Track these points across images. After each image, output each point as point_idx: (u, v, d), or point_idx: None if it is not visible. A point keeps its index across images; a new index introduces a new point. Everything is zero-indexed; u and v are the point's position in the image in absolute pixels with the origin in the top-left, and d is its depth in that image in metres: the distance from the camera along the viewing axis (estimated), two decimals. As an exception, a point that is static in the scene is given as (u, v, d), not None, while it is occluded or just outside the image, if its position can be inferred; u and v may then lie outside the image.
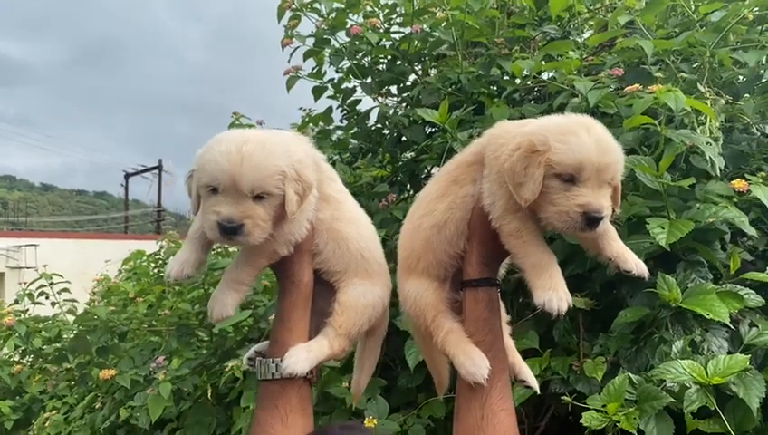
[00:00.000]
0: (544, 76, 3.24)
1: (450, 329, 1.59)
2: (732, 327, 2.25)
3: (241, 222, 1.44)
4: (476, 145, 1.67)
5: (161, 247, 4.55)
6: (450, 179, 1.66)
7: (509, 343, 1.74)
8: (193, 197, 1.56)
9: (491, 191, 1.55)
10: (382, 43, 3.63)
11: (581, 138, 1.43)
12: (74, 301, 3.92)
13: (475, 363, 1.51)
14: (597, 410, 1.93)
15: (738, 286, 2.32)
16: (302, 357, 1.56)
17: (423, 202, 1.71)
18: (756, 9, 2.72)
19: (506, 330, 1.74)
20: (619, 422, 1.87)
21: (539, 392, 1.82)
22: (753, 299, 2.28)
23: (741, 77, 3.00)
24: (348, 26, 3.67)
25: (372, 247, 1.75)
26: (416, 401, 2.94)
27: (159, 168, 28.64)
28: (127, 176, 30.15)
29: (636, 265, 1.55)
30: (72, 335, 4.26)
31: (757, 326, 2.32)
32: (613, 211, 1.55)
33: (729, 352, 2.20)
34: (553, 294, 1.43)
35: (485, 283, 1.60)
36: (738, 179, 2.34)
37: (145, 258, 5.02)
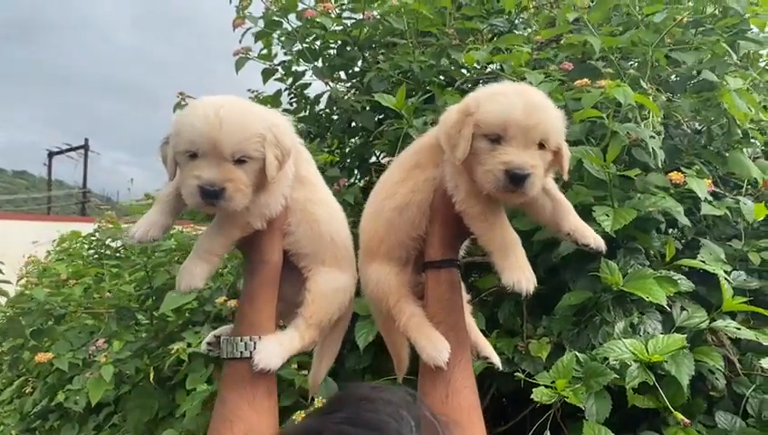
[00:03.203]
0: (491, 68, 3.34)
1: (412, 313, 1.63)
2: (667, 310, 2.42)
3: (223, 185, 1.42)
4: (435, 130, 1.71)
5: (99, 228, 4.41)
6: (411, 164, 1.70)
7: (470, 321, 1.81)
8: (169, 163, 1.52)
9: (452, 175, 1.59)
10: (333, 27, 3.64)
11: (509, 98, 1.47)
12: (7, 282, 3.77)
13: (436, 348, 1.55)
14: (546, 386, 2.04)
15: (672, 272, 2.49)
16: (274, 352, 1.54)
17: (384, 186, 1.75)
18: (692, 13, 2.88)
19: (467, 309, 1.80)
20: (566, 398, 1.99)
21: (501, 368, 1.90)
22: (685, 284, 2.45)
23: (673, 76, 3.18)
24: (298, 9, 3.66)
25: (342, 233, 1.76)
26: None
27: (86, 147, 27.46)
28: (50, 155, 28.69)
29: (593, 238, 1.60)
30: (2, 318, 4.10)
31: (687, 310, 2.50)
32: (563, 175, 1.60)
33: (662, 334, 2.37)
34: (521, 274, 1.48)
35: (447, 264, 1.65)
36: (675, 172, 2.49)
37: (80, 240, 4.85)
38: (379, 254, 1.70)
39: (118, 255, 4.76)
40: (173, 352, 3.16)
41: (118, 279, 4.19)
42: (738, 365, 2.56)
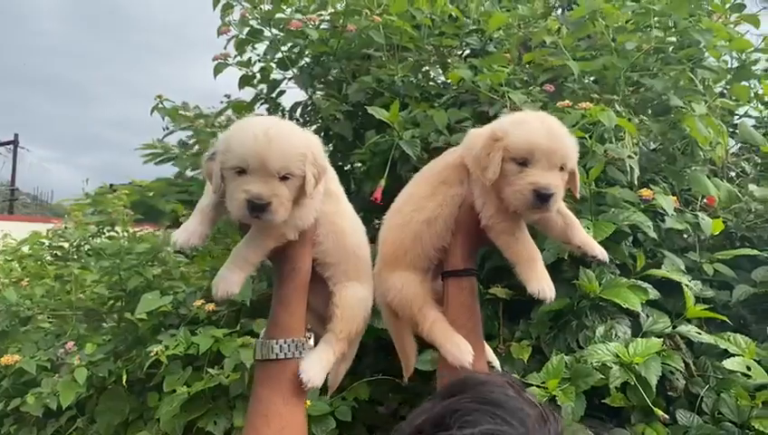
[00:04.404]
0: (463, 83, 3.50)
1: (435, 319, 1.75)
2: (634, 316, 2.63)
3: (269, 200, 1.52)
4: (457, 150, 1.85)
5: (65, 228, 4.31)
6: (439, 180, 1.83)
7: None
8: (215, 177, 1.60)
9: (480, 194, 1.74)
10: (314, 37, 3.73)
11: (534, 126, 1.65)
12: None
13: (460, 350, 1.68)
14: (538, 386, 2.20)
15: (639, 281, 2.70)
16: (317, 369, 1.66)
17: (412, 199, 1.87)
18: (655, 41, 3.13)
19: None
20: (557, 396, 2.15)
21: (499, 371, 2.04)
22: (652, 292, 2.67)
23: (633, 99, 3.42)
24: (275, 17, 3.74)
25: (363, 245, 1.87)
26: (342, 385, 3.09)
27: (15, 143, 26.24)
28: (-26, 150, 27.31)
29: (600, 251, 1.80)
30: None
31: (652, 316, 2.71)
32: (574, 194, 1.78)
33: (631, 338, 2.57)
34: (545, 284, 1.65)
35: (469, 272, 1.79)
36: (645, 189, 2.71)
37: (42, 240, 4.72)
38: (404, 263, 1.82)
39: (67, 255, 4.65)
40: (152, 354, 3.16)
41: (81, 281, 4.11)
42: (693, 367, 2.80)
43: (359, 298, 1.80)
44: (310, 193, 1.60)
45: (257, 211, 1.53)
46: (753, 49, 3.24)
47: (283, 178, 1.55)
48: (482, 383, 0.99)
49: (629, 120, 2.70)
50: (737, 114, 3.92)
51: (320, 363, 1.68)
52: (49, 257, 4.94)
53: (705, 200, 3.28)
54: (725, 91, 3.69)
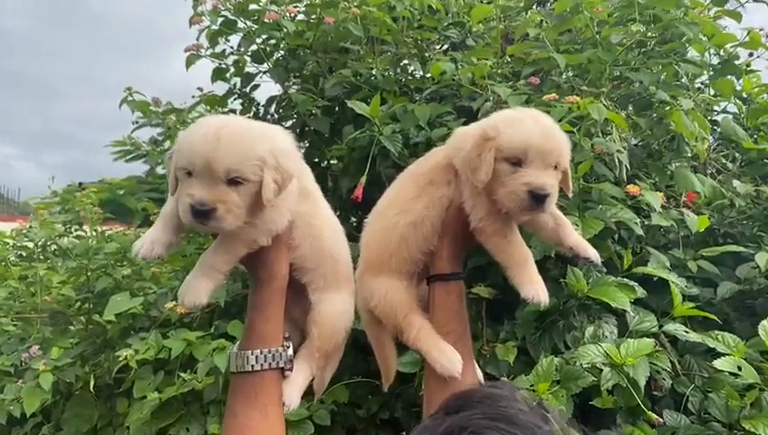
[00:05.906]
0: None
1: (421, 326, 1.66)
2: (620, 315, 2.57)
3: (213, 206, 1.39)
4: (443, 150, 1.76)
5: (30, 227, 4.15)
6: (426, 181, 1.73)
7: None
8: (170, 178, 1.49)
9: (470, 195, 1.64)
10: (291, 30, 3.62)
11: (527, 124, 1.56)
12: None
13: (449, 359, 1.59)
14: (527, 389, 2.13)
15: (625, 279, 2.65)
16: (296, 393, 1.61)
17: (397, 201, 1.76)
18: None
19: None
20: (546, 400, 2.08)
21: (482, 377, 1.96)
22: (638, 290, 2.62)
23: (616, 94, 3.38)
24: (249, 8, 3.63)
25: (342, 249, 1.76)
26: (320, 389, 3.01)
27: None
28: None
29: (593, 253, 1.73)
30: None
31: (638, 315, 2.66)
32: (567, 193, 1.70)
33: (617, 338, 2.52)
34: (539, 287, 1.58)
35: (456, 276, 1.70)
36: (632, 185, 2.66)
37: (6, 240, 4.54)
38: (389, 267, 1.72)
39: (33, 256, 4.49)
40: (121, 358, 3.03)
41: (47, 282, 3.96)
42: (678, 366, 2.76)
43: (339, 312, 1.70)
44: (267, 199, 1.44)
45: (201, 217, 1.40)
46: (737, 43, 3.20)
47: (234, 183, 1.42)
48: (490, 397, 0.91)
49: (616, 114, 2.64)
50: (716, 109, 3.91)
51: (296, 385, 1.62)
52: (13, 258, 4.78)
53: (685, 196, 3.25)
54: (704, 86, 3.68)
